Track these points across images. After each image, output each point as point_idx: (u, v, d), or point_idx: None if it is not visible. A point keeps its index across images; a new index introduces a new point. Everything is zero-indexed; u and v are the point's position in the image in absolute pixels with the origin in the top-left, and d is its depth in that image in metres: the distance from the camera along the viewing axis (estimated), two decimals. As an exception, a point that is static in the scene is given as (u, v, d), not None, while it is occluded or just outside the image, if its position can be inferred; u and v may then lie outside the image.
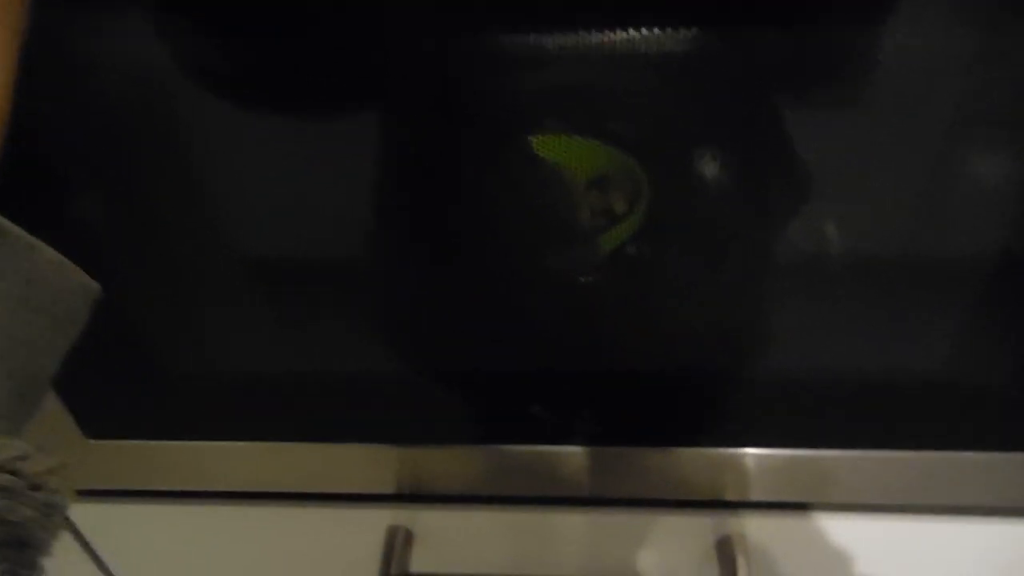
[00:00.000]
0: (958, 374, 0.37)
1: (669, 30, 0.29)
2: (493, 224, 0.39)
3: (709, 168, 0.45)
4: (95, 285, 0.22)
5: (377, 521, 0.45)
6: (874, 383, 0.37)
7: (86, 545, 0.48)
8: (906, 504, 0.42)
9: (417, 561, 0.46)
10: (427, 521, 0.45)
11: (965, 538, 0.43)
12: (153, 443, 0.41)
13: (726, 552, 0.44)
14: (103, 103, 0.31)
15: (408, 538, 0.46)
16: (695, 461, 0.41)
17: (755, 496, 0.42)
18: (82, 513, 0.46)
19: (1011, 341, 0.35)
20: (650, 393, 0.39)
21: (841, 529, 0.43)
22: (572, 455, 0.41)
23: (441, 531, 0.46)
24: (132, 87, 0.31)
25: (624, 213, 0.43)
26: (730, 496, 0.42)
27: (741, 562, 0.43)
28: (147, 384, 0.39)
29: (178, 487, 0.43)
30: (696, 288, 0.39)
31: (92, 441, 0.41)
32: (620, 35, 0.30)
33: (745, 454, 0.40)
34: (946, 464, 0.39)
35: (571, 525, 0.44)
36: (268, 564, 0.48)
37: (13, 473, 0.17)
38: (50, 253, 0.20)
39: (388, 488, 0.43)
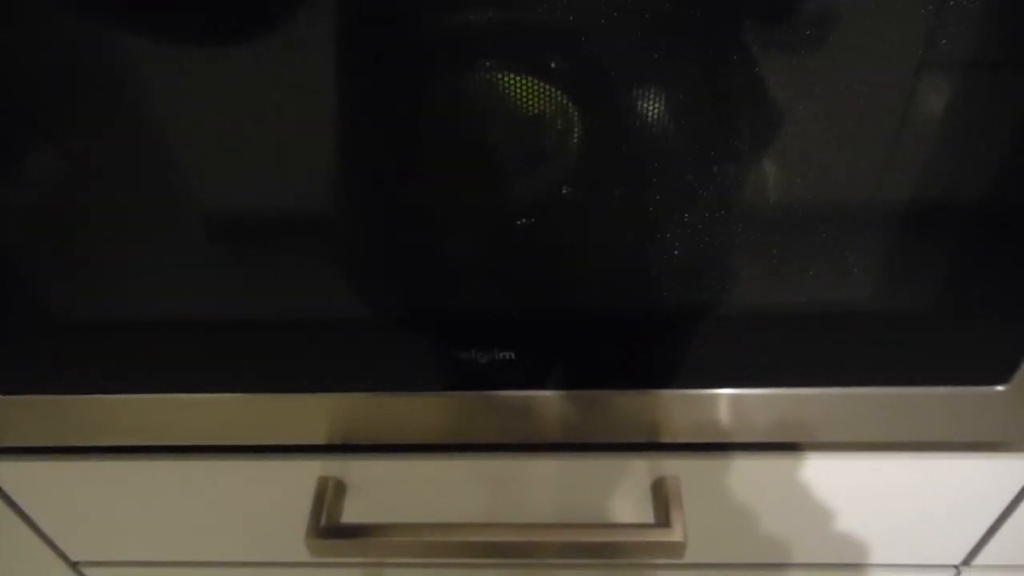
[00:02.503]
0: (912, 306, 0.36)
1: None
2: (432, 162, 0.38)
3: (645, 106, 0.44)
4: None
5: (308, 471, 0.45)
6: (827, 318, 0.37)
7: (12, 504, 0.47)
8: (865, 442, 0.42)
9: (349, 512, 0.46)
10: (360, 471, 0.45)
11: (914, 475, 0.43)
12: (65, 398, 0.40)
13: (661, 494, 0.44)
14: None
15: (340, 488, 0.45)
16: (646, 402, 0.40)
17: (709, 437, 0.41)
18: (6, 472, 0.45)
19: (972, 276, 0.35)
20: (590, 334, 0.39)
21: (807, 469, 0.44)
22: (508, 399, 0.40)
23: (374, 481, 0.45)
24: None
25: (558, 152, 0.42)
26: (681, 438, 0.41)
27: (675, 506, 0.43)
28: (55, 335, 0.38)
29: (96, 442, 0.42)
30: (633, 227, 0.38)
31: (5, 397, 0.40)
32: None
33: (698, 395, 0.39)
34: (899, 400, 0.39)
35: (503, 469, 0.44)
36: (199, 517, 0.48)
37: None
38: None
39: (319, 438, 0.42)
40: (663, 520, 0.43)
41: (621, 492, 0.45)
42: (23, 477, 0.46)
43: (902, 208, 0.33)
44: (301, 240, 0.36)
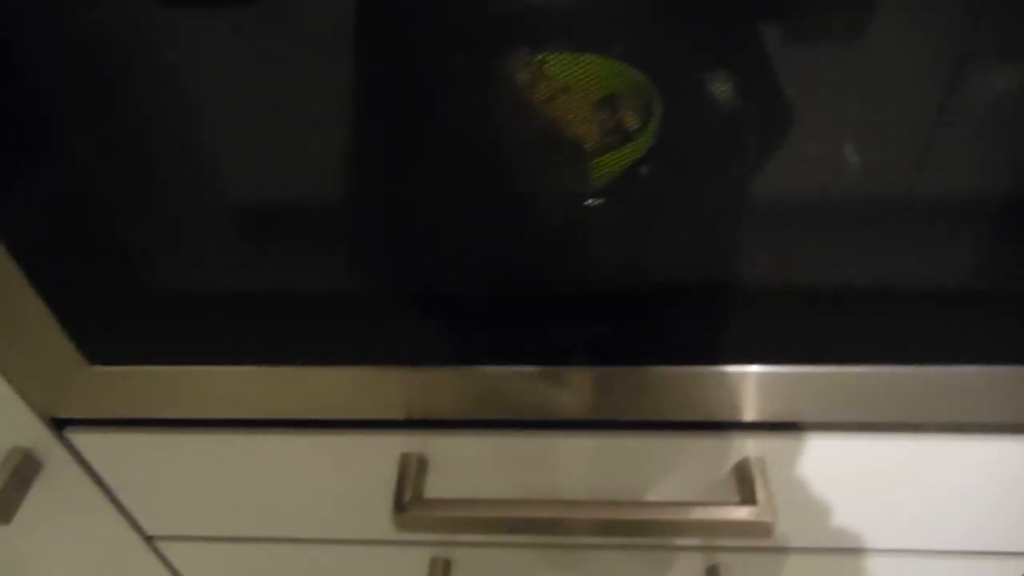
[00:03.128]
0: (961, 285, 0.36)
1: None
2: (500, 142, 0.38)
3: (721, 87, 0.44)
4: None
5: (390, 447, 0.45)
6: (877, 296, 0.36)
7: (93, 475, 0.47)
8: (946, 423, 0.42)
9: (431, 487, 0.46)
10: (440, 447, 0.45)
11: (972, 455, 0.43)
12: (159, 368, 0.40)
13: (745, 474, 0.43)
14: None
15: (422, 464, 0.45)
16: (702, 380, 0.40)
17: (762, 416, 0.41)
18: (90, 444, 0.45)
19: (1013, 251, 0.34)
20: (660, 312, 0.38)
21: (883, 451, 0.43)
22: (581, 376, 0.40)
23: (455, 458, 0.45)
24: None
25: (636, 130, 0.42)
26: (741, 416, 0.41)
27: (759, 483, 0.43)
28: (150, 306, 0.38)
29: (186, 415, 0.42)
30: (703, 206, 0.38)
31: (94, 368, 0.40)
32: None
33: (751, 372, 0.39)
34: (951, 379, 0.38)
35: (582, 448, 0.44)
36: (277, 493, 0.48)
37: None
38: None
39: (399, 414, 0.42)
40: (750, 499, 0.42)
41: (703, 472, 0.45)
42: (106, 449, 0.46)
43: (962, 193, 0.33)
44: (384, 214, 0.36)
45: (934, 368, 0.38)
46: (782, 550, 0.50)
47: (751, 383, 0.39)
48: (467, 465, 0.45)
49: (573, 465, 0.45)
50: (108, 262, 0.36)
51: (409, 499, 0.43)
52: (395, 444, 0.45)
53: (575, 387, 0.40)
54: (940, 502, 0.46)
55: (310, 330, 0.39)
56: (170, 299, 0.38)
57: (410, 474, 0.44)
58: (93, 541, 0.52)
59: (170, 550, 0.54)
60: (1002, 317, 0.37)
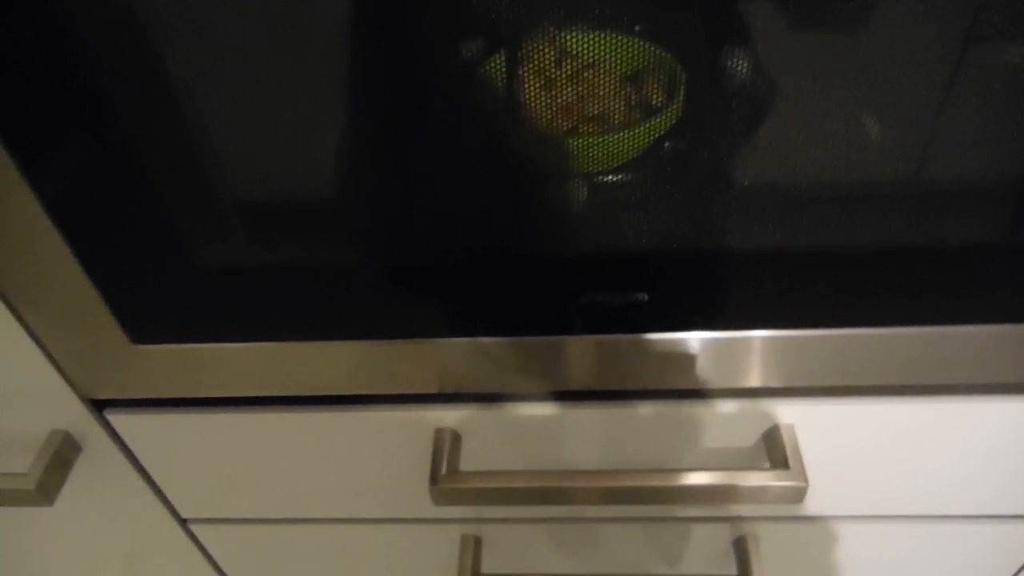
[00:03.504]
0: (991, 244, 0.37)
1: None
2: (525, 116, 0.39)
3: (744, 64, 0.45)
4: None
5: (425, 422, 0.45)
6: (942, 254, 0.37)
7: (131, 456, 0.48)
8: (971, 384, 0.42)
9: (464, 461, 0.47)
10: (473, 422, 0.45)
11: (1001, 416, 0.44)
12: (199, 347, 0.41)
13: (775, 440, 0.44)
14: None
15: (456, 439, 0.46)
16: (730, 347, 0.40)
17: (790, 382, 0.42)
18: (129, 425, 0.46)
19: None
20: (689, 280, 0.39)
21: (915, 415, 0.44)
22: (610, 345, 0.40)
23: (486, 431, 0.46)
24: None
25: (662, 105, 0.43)
26: (770, 383, 0.42)
27: (789, 449, 0.43)
28: (192, 283, 0.39)
29: (225, 393, 0.43)
30: (726, 176, 0.39)
31: (137, 347, 0.41)
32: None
33: (778, 337, 0.40)
34: (979, 339, 0.39)
35: (613, 419, 0.45)
36: (312, 472, 0.49)
37: None
38: None
39: (432, 388, 0.43)
40: (781, 464, 0.43)
41: (735, 440, 0.46)
42: (145, 430, 0.47)
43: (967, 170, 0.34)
44: (415, 186, 0.37)
45: (961, 328, 0.39)
46: (807, 519, 0.51)
47: (778, 348, 0.40)
48: (500, 439, 0.46)
49: (605, 436, 0.45)
50: (154, 237, 0.37)
51: (445, 472, 0.44)
52: (429, 418, 0.45)
53: (605, 357, 0.41)
54: (968, 465, 0.46)
55: (347, 305, 0.40)
56: (212, 275, 0.39)
57: (445, 448, 0.45)
58: (130, 524, 0.52)
59: (204, 533, 0.54)
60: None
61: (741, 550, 0.52)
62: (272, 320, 0.40)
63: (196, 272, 0.38)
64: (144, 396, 0.43)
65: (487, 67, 0.46)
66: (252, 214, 0.37)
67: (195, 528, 0.54)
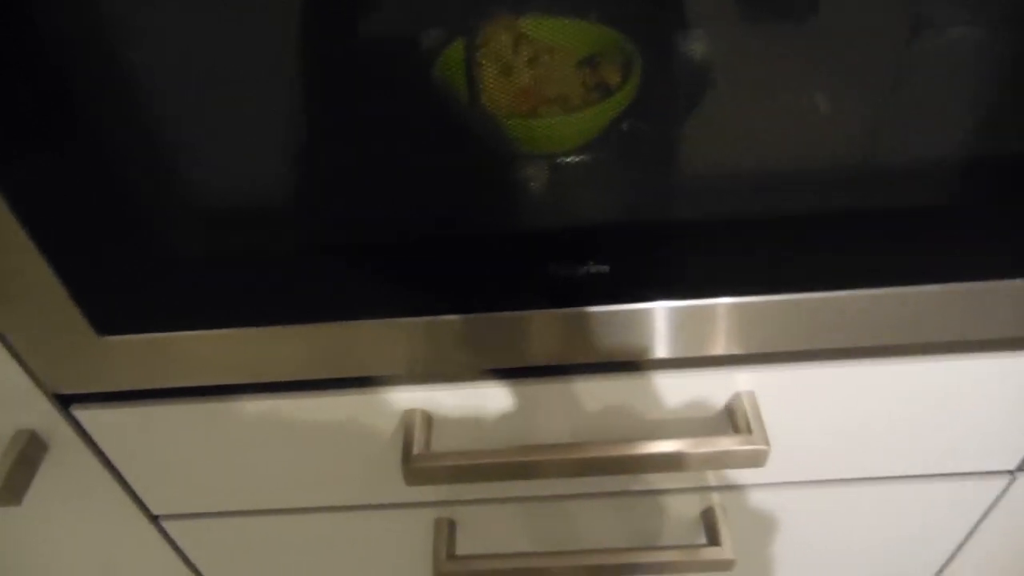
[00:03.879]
0: (984, 199, 0.38)
1: None
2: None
3: (697, 44, 0.46)
4: None
5: (394, 404, 0.46)
6: (897, 216, 0.39)
7: (98, 452, 0.48)
8: (922, 343, 0.44)
9: (436, 443, 0.47)
10: (443, 402, 0.46)
11: (968, 378, 0.46)
12: (166, 336, 0.41)
13: (737, 407, 0.46)
14: None
15: (426, 420, 0.46)
16: (686, 315, 0.41)
17: (748, 349, 0.43)
18: (96, 420, 0.46)
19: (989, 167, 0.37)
20: (644, 252, 0.40)
21: (865, 378, 0.45)
22: (571, 318, 0.41)
23: (457, 412, 0.46)
24: None
25: (618, 85, 0.44)
26: (754, 349, 0.43)
27: (751, 415, 0.45)
28: (157, 271, 0.39)
29: (193, 382, 0.43)
30: (682, 151, 0.41)
31: (104, 339, 0.41)
32: None
33: (733, 304, 0.41)
34: (970, 295, 0.41)
35: (579, 393, 0.46)
36: (284, 461, 0.49)
37: None
38: None
39: (401, 369, 0.44)
40: (744, 430, 0.44)
41: (697, 410, 0.47)
42: (112, 425, 0.46)
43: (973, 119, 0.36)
44: (375, 168, 0.38)
45: (912, 288, 0.40)
46: (772, 485, 0.53)
47: (737, 315, 0.42)
48: (470, 418, 0.47)
49: (572, 411, 0.46)
50: (117, 226, 0.36)
51: (417, 452, 0.44)
52: (399, 400, 0.46)
53: (568, 331, 0.42)
54: (924, 424, 0.48)
55: (312, 287, 0.40)
56: (175, 262, 0.39)
57: (416, 427, 0.45)
58: (100, 523, 0.52)
59: (176, 529, 0.54)
60: (977, 235, 0.39)
61: (709, 519, 0.53)
62: (238, 305, 0.40)
63: (160, 260, 0.38)
64: (111, 389, 0.43)
65: (447, 53, 0.47)
66: (211, 201, 0.37)
67: (167, 524, 0.53)
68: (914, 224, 0.39)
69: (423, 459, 0.44)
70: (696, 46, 0.46)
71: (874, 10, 0.35)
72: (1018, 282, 0.40)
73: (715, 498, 0.53)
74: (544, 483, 0.51)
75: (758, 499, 0.54)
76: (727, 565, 0.51)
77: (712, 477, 0.52)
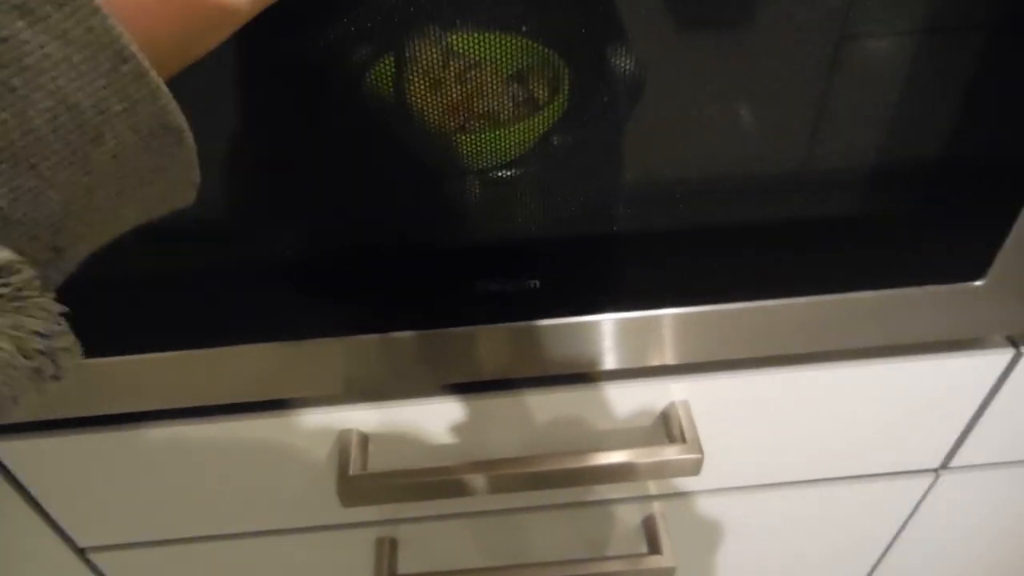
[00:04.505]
0: (892, 209, 0.40)
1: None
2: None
3: (626, 58, 0.47)
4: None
5: (329, 425, 0.45)
6: (808, 226, 0.39)
7: (18, 486, 0.46)
8: (840, 350, 0.45)
9: (373, 463, 0.47)
10: (378, 421, 0.45)
11: (887, 381, 0.47)
12: (91, 361, 0.39)
13: (672, 417, 0.46)
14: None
15: (363, 440, 0.46)
16: (618, 328, 0.42)
17: (681, 359, 0.44)
18: (12, 453, 0.44)
19: (947, 178, 0.38)
20: (574, 266, 0.40)
21: (784, 385, 0.46)
22: (504, 334, 0.41)
23: (392, 430, 0.46)
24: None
25: (547, 99, 0.44)
26: (674, 360, 0.44)
27: (685, 423, 0.45)
28: (79, 295, 0.37)
29: (122, 408, 0.42)
30: (612, 164, 0.41)
31: (18, 367, 0.39)
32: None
33: (663, 315, 0.42)
34: (882, 303, 0.42)
35: (514, 407, 0.46)
36: (214, 486, 0.48)
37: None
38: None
39: (335, 389, 0.43)
40: (678, 439, 0.45)
41: (633, 421, 0.47)
42: (31, 456, 0.44)
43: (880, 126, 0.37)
44: (306, 187, 0.37)
45: (838, 296, 0.41)
46: (709, 492, 0.53)
47: (670, 326, 0.42)
48: (407, 436, 0.46)
49: (507, 426, 0.46)
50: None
51: (353, 472, 0.44)
52: (335, 420, 0.45)
53: (502, 346, 0.42)
54: (851, 427, 0.50)
55: (242, 308, 0.39)
56: (100, 285, 0.37)
57: (351, 447, 0.44)
58: (23, 559, 0.50)
59: (105, 561, 0.52)
60: (892, 244, 0.40)
61: (650, 528, 0.54)
62: (164, 329, 0.39)
63: (84, 283, 0.37)
64: (28, 419, 0.42)
65: (376, 69, 0.47)
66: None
67: (94, 557, 0.51)
68: (839, 233, 0.40)
69: (359, 479, 0.43)
70: (624, 59, 0.46)
71: (800, 22, 0.35)
72: (938, 287, 0.42)
73: (655, 507, 0.54)
74: (484, 498, 0.51)
75: (698, 506, 0.54)
76: (668, 573, 0.51)
77: (652, 486, 0.52)
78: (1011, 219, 0.38)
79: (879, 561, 0.63)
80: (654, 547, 0.52)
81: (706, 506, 0.54)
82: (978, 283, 0.41)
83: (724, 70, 0.38)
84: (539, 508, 0.53)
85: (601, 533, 0.55)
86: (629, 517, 0.54)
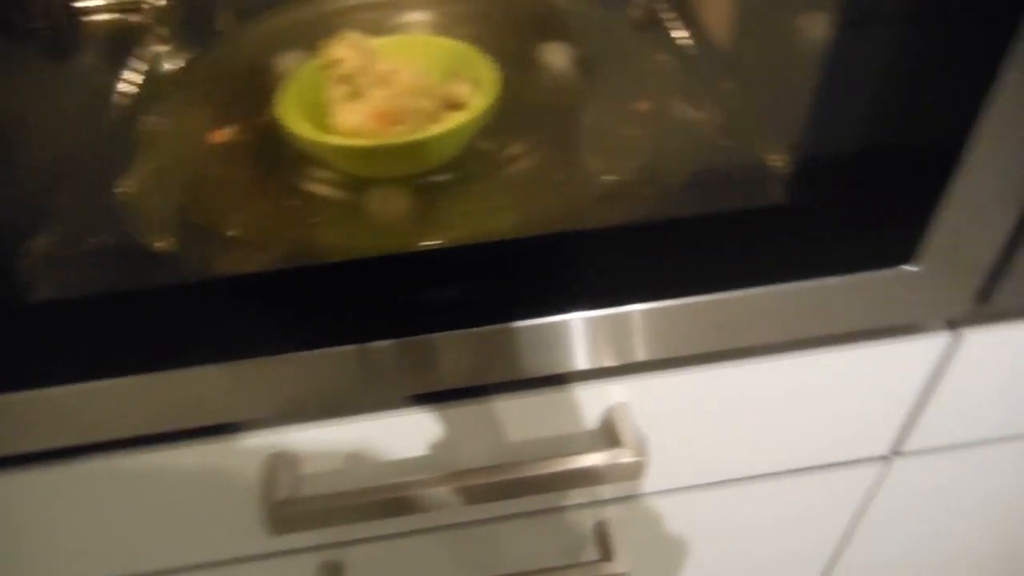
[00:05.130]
0: (817, 198, 0.39)
1: None
2: None
3: (555, 57, 0.46)
4: None
5: (256, 449, 0.43)
6: (734, 220, 0.39)
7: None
8: (777, 343, 0.44)
9: (307, 486, 0.45)
10: (308, 441, 0.44)
11: (828, 371, 0.46)
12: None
13: (611, 420, 0.45)
14: None
15: (293, 462, 0.44)
16: (550, 332, 0.41)
17: (617, 360, 0.43)
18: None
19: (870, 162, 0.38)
20: (505, 270, 0.39)
21: (722, 380, 0.45)
22: (434, 343, 0.40)
23: (323, 450, 0.44)
24: None
25: (474, 103, 0.43)
26: (605, 362, 0.42)
27: (625, 426, 0.44)
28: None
29: (33, 447, 0.39)
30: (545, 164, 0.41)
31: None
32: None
33: (597, 317, 0.40)
34: (814, 293, 0.41)
35: (451, 419, 0.44)
36: (139, 521, 0.45)
37: None
38: None
39: (262, 411, 0.41)
40: (617, 443, 0.44)
41: (573, 427, 0.46)
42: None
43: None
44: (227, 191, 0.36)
45: (763, 289, 0.41)
46: (657, 494, 0.52)
47: (603, 328, 0.41)
48: (342, 456, 0.44)
49: (445, 438, 0.45)
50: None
51: (281, 499, 0.42)
52: (262, 444, 0.43)
53: (430, 356, 0.40)
54: (793, 419, 0.49)
55: (154, 331, 0.37)
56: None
57: (280, 472, 0.42)
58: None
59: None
60: (821, 233, 0.40)
61: (601, 534, 0.52)
62: (73, 359, 0.37)
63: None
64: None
65: (296, 75, 0.45)
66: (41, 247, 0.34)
67: (18, 603, 0.49)
68: (768, 225, 0.39)
69: (287, 505, 0.41)
70: (554, 59, 0.45)
71: (727, 17, 0.35)
72: (871, 274, 0.41)
73: (605, 512, 0.53)
74: (425, 516, 0.49)
75: (648, 509, 0.53)
76: (620, 579, 0.50)
77: (604, 491, 0.51)
78: (934, 204, 0.38)
79: (839, 552, 0.62)
80: (605, 553, 0.51)
81: (657, 508, 0.53)
82: (912, 268, 0.40)
83: (654, 66, 0.38)
84: (486, 521, 0.51)
85: (552, 542, 0.54)
86: (581, 524, 0.53)
